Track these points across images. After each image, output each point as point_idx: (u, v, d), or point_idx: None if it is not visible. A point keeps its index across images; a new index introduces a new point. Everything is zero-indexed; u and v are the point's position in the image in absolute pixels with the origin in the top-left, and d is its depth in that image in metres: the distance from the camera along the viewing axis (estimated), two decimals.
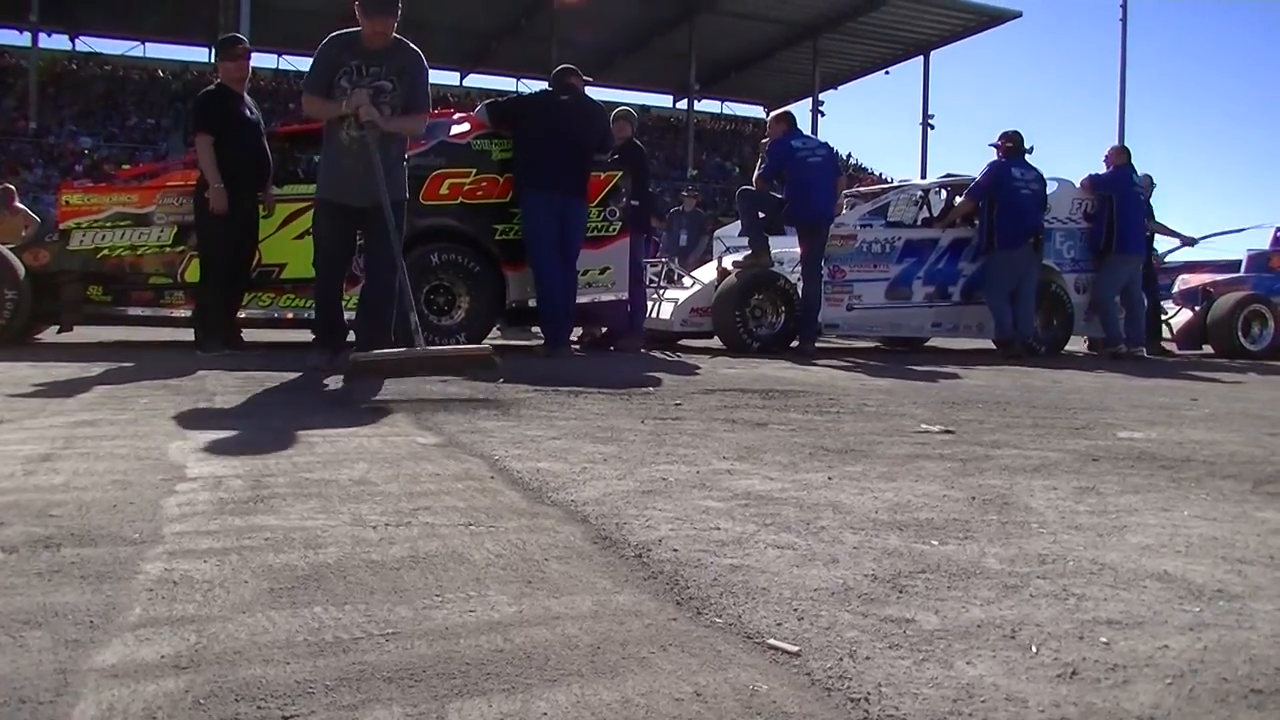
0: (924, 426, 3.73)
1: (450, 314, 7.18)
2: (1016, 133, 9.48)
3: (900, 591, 1.61)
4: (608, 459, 2.81)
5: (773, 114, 9.54)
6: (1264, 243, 12.88)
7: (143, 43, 41.53)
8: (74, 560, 1.63)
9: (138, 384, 4.58)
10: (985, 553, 1.88)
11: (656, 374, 5.92)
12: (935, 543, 1.94)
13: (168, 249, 7.11)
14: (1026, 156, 9.56)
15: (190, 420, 3.39)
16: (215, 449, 2.79)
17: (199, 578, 1.57)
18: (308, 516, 2.01)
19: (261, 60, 38.99)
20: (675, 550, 1.82)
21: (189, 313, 7.16)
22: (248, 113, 6.71)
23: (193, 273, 7.04)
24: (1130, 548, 1.95)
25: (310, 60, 5.34)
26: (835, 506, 2.24)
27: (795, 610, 1.50)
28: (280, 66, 43.14)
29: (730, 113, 50.32)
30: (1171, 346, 11.57)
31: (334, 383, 4.75)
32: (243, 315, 7.08)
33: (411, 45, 5.27)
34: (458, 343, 6.81)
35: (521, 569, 1.69)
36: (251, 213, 6.69)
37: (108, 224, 7.10)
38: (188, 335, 6.99)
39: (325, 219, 5.44)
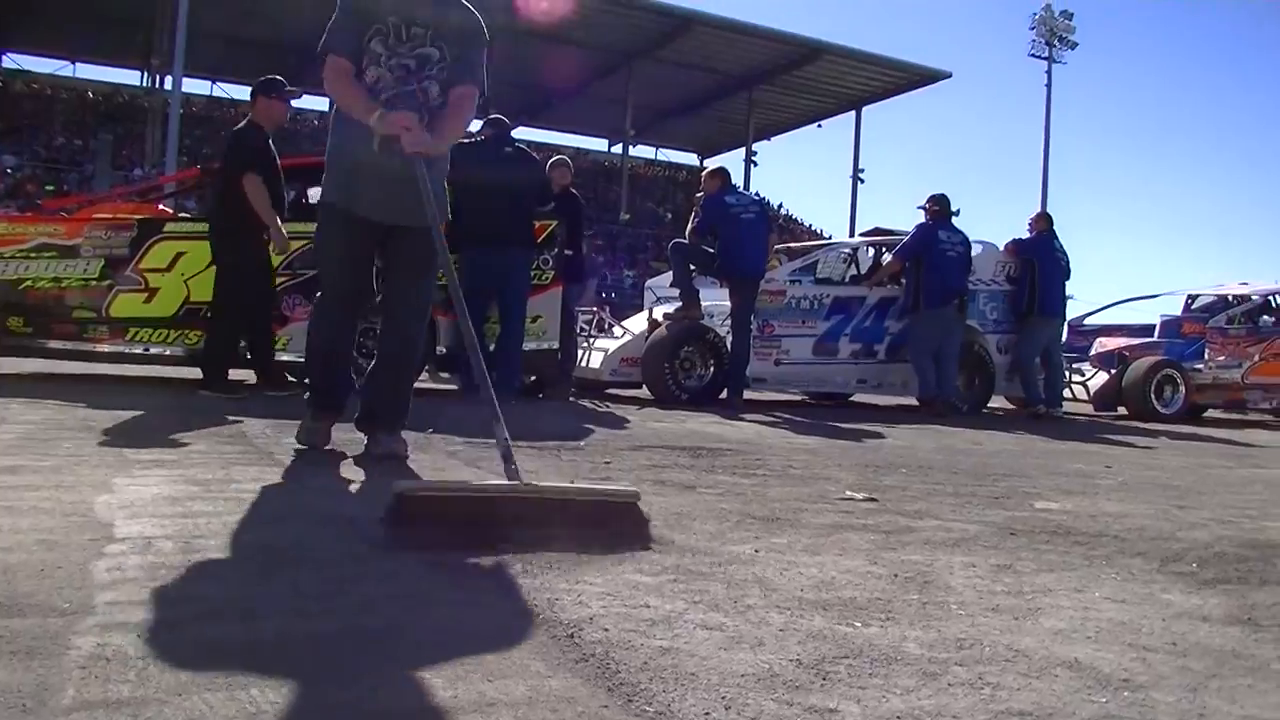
0: (848, 493, 3.81)
1: None
2: (944, 196, 9.74)
3: (824, 678, 1.66)
4: None
5: (707, 170, 9.69)
6: (1177, 309, 13.34)
7: (73, 62, 40.84)
8: (2, 633, 1.62)
9: (59, 424, 4.50)
10: (906, 636, 1.94)
11: (586, 426, 5.95)
12: (858, 624, 2.00)
13: (93, 282, 7.01)
14: (953, 219, 9.82)
15: (115, 469, 3.34)
16: (143, 504, 2.76)
17: (133, 654, 1.57)
18: (243, 584, 2.01)
19: (193, 87, 38.68)
20: (606, 630, 1.85)
21: (112, 348, 7.09)
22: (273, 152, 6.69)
23: (119, 308, 6.97)
24: (1044, 632, 2.03)
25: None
26: (762, 583, 2.30)
27: (723, 698, 1.54)
28: (214, 94, 42.74)
29: (665, 159, 50.82)
30: (1088, 407, 11.92)
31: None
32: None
33: (463, 1, 3.96)
34: None
35: (456, 648, 1.72)
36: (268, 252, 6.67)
37: (32, 254, 6.98)
38: (103, 369, 6.89)
39: (337, 228, 3.96)
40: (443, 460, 4.13)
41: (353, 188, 3.85)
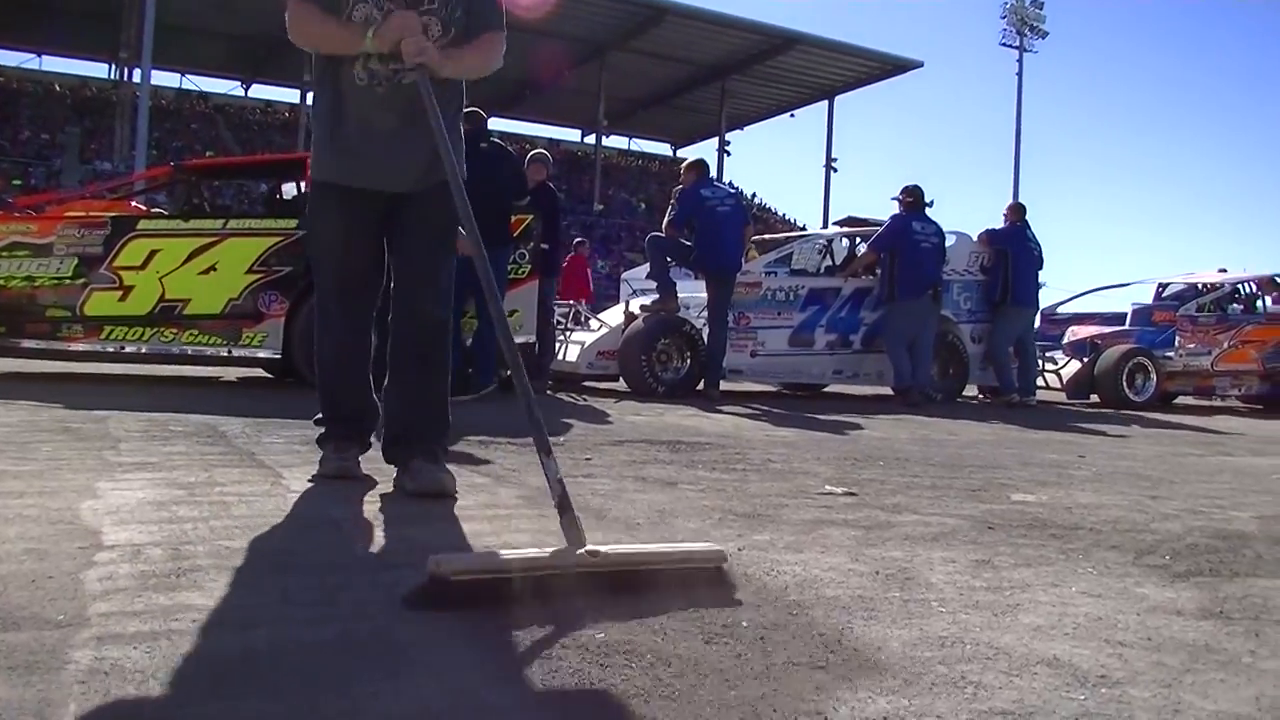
0: (828, 488, 3.85)
1: None
2: (917, 187, 9.83)
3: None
4: (521, 528, 2.87)
5: (685, 163, 9.73)
6: (1148, 298, 13.50)
7: (39, 54, 40.41)
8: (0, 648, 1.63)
9: (37, 426, 4.48)
10: (889, 635, 1.98)
11: (565, 420, 5.99)
12: (842, 624, 2.04)
13: (67, 281, 6.98)
14: (927, 210, 9.90)
15: (98, 473, 3.34)
16: (129, 510, 2.76)
17: (131, 667, 1.58)
18: (234, 592, 2.03)
19: (162, 79, 38.33)
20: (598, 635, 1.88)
21: (86, 346, 7.07)
22: None
23: (93, 306, 6.95)
24: (1023, 629, 2.07)
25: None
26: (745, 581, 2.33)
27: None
28: (183, 86, 42.36)
29: (638, 149, 50.83)
30: (1061, 396, 12.06)
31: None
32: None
33: None
34: None
35: (452, 655, 1.74)
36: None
37: (4, 253, 6.94)
38: (78, 368, 6.85)
39: (331, 213, 3.35)
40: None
41: (344, 156, 3.26)
